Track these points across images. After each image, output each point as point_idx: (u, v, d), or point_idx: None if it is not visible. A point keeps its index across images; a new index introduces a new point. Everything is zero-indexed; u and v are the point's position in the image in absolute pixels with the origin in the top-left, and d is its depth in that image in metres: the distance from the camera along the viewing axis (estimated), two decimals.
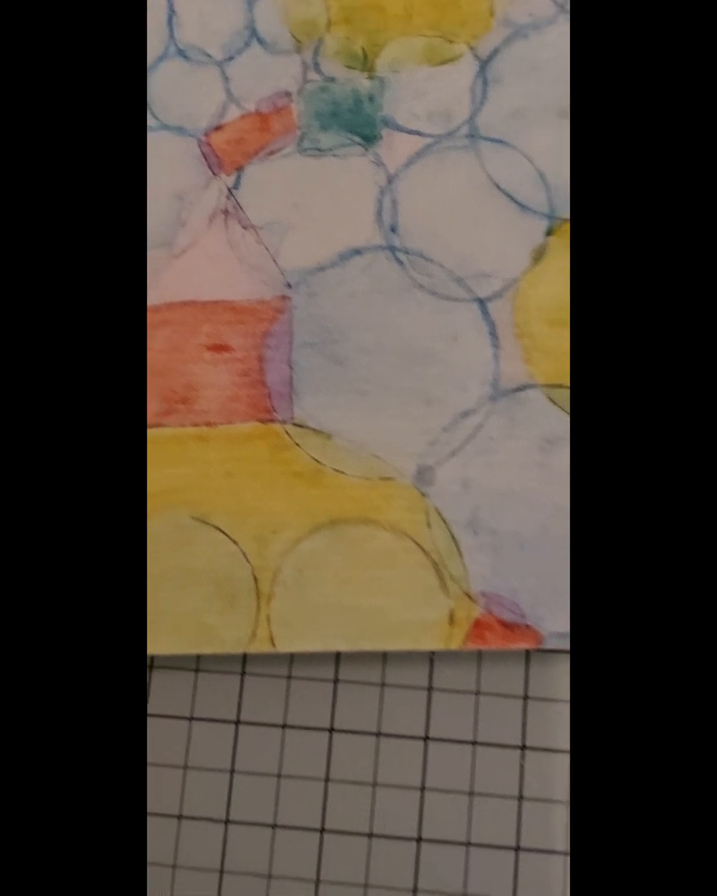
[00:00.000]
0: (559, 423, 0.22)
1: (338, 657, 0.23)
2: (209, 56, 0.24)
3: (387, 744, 0.23)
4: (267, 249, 0.23)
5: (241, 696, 0.23)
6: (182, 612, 0.22)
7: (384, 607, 0.22)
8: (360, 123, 0.24)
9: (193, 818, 0.22)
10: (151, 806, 0.23)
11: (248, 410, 0.23)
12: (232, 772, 0.23)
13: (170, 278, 0.24)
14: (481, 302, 0.23)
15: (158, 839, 0.22)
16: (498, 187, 0.23)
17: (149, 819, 0.23)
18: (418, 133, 0.23)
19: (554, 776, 0.22)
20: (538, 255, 0.23)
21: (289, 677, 0.23)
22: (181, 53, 0.24)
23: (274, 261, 0.23)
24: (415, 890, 0.21)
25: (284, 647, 0.22)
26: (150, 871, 0.22)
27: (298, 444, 0.23)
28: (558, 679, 0.22)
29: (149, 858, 0.22)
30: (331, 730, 0.23)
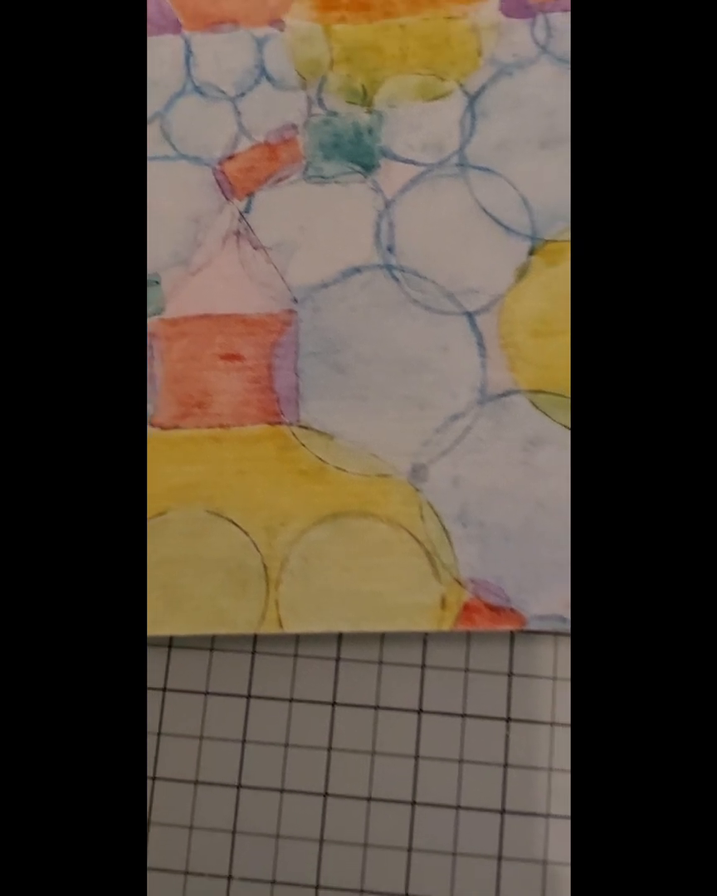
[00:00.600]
0: (541, 426, 0.23)
1: (340, 638, 0.24)
2: (223, 92, 0.24)
3: (384, 716, 0.23)
4: (275, 268, 0.24)
5: (251, 672, 0.23)
6: (199, 597, 0.23)
7: (382, 592, 0.22)
8: (360, 153, 0.24)
9: (207, 783, 0.23)
10: (170, 772, 0.23)
11: (258, 414, 0.24)
12: (243, 742, 0.23)
13: (187, 294, 0.24)
14: (470, 315, 0.23)
15: (176, 803, 0.23)
16: (485, 211, 0.24)
17: (168, 784, 0.23)
18: (412, 162, 0.24)
19: (536, 746, 0.22)
20: (522, 273, 0.23)
21: (295, 656, 0.23)
22: (197, 90, 0.25)
23: (282, 278, 0.24)
24: (410, 849, 0.22)
25: (291, 628, 0.22)
26: (167, 831, 0.23)
27: (303, 445, 0.23)
28: (540, 657, 0.23)
29: (167, 820, 0.23)
30: (333, 703, 0.23)
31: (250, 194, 0.24)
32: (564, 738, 0.23)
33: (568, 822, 0.22)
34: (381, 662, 0.23)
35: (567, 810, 0.22)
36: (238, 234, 0.24)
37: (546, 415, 0.23)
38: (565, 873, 0.22)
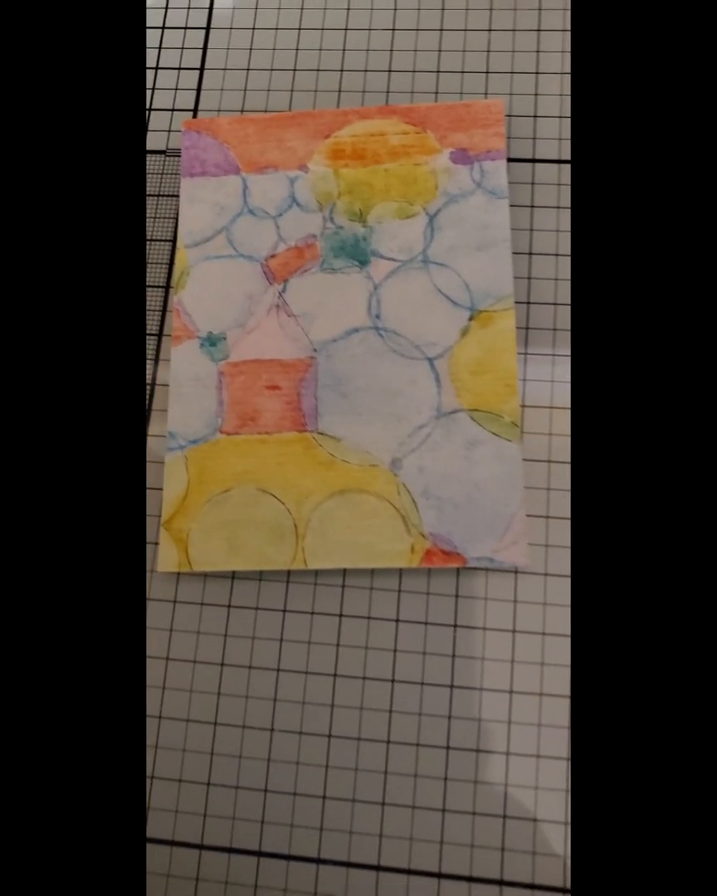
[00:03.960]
0: (477, 432, 0.27)
1: (344, 572, 0.27)
2: (267, 213, 0.29)
3: (374, 624, 0.27)
4: (302, 329, 0.28)
5: (286, 595, 0.27)
6: (251, 545, 0.27)
7: (372, 542, 0.26)
8: (358, 254, 0.29)
9: (257, 668, 0.27)
10: (232, 661, 0.27)
11: (291, 425, 0.28)
12: (281, 640, 0.27)
13: (244, 346, 0.28)
14: (430, 360, 0.28)
15: (236, 682, 0.27)
16: (440, 291, 0.28)
17: (231, 669, 0.27)
18: (392, 259, 0.29)
19: (474, 636, 0.26)
20: (464, 332, 0.28)
21: (315, 584, 0.27)
22: (251, 212, 0.30)
23: (306, 335, 0.28)
24: (390, 711, 0.26)
25: (312, 566, 0.27)
26: (231, 700, 0.26)
27: (320, 445, 0.27)
28: (476, 585, 0.27)
29: (231, 692, 0.27)
30: (340, 615, 0.27)
31: (286, 280, 0.29)
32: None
33: (498, 695, 0.26)
34: (371, 588, 0.27)
35: (500, 685, 0.26)
36: (278, 306, 0.28)
37: (481, 425, 0.27)
38: (492, 728, 0.26)
